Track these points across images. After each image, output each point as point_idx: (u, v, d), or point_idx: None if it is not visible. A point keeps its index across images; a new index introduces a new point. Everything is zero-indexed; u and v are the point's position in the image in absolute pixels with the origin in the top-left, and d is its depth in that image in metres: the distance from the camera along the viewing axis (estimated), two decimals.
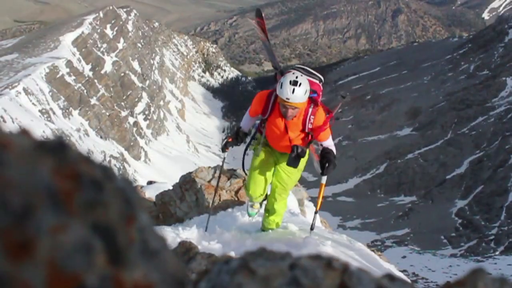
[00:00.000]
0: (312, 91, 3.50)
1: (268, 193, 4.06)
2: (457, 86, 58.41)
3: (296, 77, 3.22)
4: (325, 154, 3.44)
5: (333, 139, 3.49)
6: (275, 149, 3.83)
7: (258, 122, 3.75)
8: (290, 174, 3.82)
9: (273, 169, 3.91)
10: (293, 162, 3.62)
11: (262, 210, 4.29)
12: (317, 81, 3.61)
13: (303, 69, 3.60)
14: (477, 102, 49.78)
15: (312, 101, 3.43)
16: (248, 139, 3.96)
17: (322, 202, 3.64)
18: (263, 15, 4.06)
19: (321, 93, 3.61)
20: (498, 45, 62.91)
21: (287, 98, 3.20)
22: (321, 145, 3.53)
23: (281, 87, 3.24)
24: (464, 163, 41.48)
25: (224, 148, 3.89)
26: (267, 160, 3.86)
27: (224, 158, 4.26)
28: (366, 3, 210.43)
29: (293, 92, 3.19)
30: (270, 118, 3.55)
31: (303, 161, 3.70)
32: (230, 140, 3.80)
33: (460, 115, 48.89)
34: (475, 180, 37.83)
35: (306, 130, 3.48)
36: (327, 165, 3.40)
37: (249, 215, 4.31)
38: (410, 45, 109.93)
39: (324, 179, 3.56)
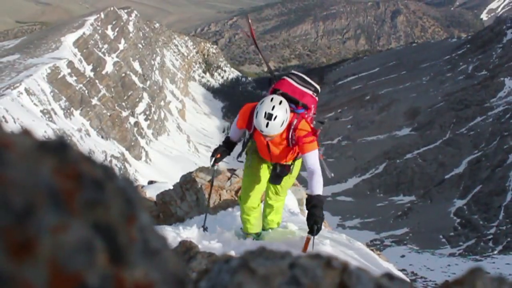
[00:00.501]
0: (302, 106, 3.26)
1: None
2: (455, 87, 58.42)
3: (273, 108, 2.99)
4: (312, 212, 3.00)
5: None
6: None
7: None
8: (283, 181, 3.68)
9: (267, 174, 3.74)
10: (274, 180, 3.54)
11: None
12: (311, 92, 3.34)
13: (297, 76, 3.39)
14: (475, 102, 49.79)
15: (297, 115, 3.18)
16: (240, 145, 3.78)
17: (306, 244, 3.19)
18: (249, 21, 3.89)
19: (313, 107, 3.35)
20: (496, 45, 62.93)
21: (261, 131, 3.04)
22: (306, 163, 3.19)
23: (256, 117, 3.03)
24: (462, 163, 41.49)
25: (213, 164, 3.71)
26: (261, 167, 3.71)
27: (214, 173, 4.24)
28: (365, 4, 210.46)
29: (267, 126, 2.99)
30: (255, 134, 3.36)
31: (297, 165, 3.57)
32: (218, 156, 3.60)
33: (458, 115, 48.90)
34: (473, 180, 37.84)
35: (291, 145, 3.28)
36: (315, 227, 2.97)
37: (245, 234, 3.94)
38: (409, 46, 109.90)
39: (310, 235, 3.07)
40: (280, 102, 3.02)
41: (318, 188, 3.15)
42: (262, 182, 3.72)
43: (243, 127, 3.45)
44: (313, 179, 3.16)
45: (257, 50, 3.56)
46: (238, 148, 3.73)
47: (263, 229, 3.97)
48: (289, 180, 3.68)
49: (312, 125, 3.25)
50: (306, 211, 3.02)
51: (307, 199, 3.13)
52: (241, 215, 3.83)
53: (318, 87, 3.40)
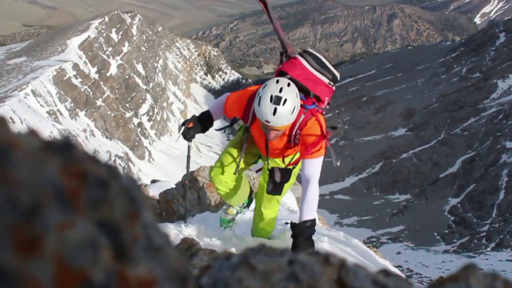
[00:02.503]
0: (315, 98, 2.53)
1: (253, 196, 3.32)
2: (450, 88, 58.40)
3: (280, 90, 2.28)
4: (294, 245, 2.50)
5: (330, 140, 2.54)
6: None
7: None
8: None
9: (255, 159, 3.04)
10: (274, 190, 2.82)
11: (242, 215, 3.53)
12: (327, 81, 2.59)
13: (313, 57, 2.59)
14: (469, 103, 49.78)
15: (305, 110, 2.48)
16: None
17: None
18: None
19: (326, 99, 2.61)
20: (489, 48, 62.91)
21: (266, 121, 2.31)
22: (303, 169, 2.59)
23: (259, 104, 2.30)
24: (456, 162, 41.48)
25: (186, 135, 2.83)
26: (251, 147, 2.94)
27: (189, 148, 3.24)
28: (362, 8, 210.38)
29: (274, 113, 2.27)
30: (252, 127, 2.67)
31: (295, 171, 2.94)
32: (191, 125, 2.81)
33: (452, 116, 48.89)
34: (467, 179, 37.83)
35: (292, 144, 2.60)
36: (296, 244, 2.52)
37: (220, 224, 3.44)
38: (405, 49, 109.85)
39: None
40: (289, 84, 2.34)
41: (310, 210, 2.53)
42: (247, 162, 3.03)
43: (234, 116, 2.77)
44: (307, 196, 2.52)
45: (272, 24, 2.83)
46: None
47: (253, 235, 3.36)
48: (287, 186, 3.02)
49: (323, 126, 2.50)
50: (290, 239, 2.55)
51: (291, 226, 2.56)
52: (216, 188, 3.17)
53: (337, 74, 2.63)
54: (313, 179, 2.55)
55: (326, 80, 2.58)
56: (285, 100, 2.28)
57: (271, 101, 2.28)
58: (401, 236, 29.97)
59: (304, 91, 2.52)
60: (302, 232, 2.50)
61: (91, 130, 44.80)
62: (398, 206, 38.31)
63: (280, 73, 2.57)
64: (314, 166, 2.54)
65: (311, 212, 2.54)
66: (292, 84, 2.37)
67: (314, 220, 2.57)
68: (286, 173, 2.83)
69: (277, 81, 2.36)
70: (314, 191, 2.54)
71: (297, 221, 2.56)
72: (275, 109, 2.28)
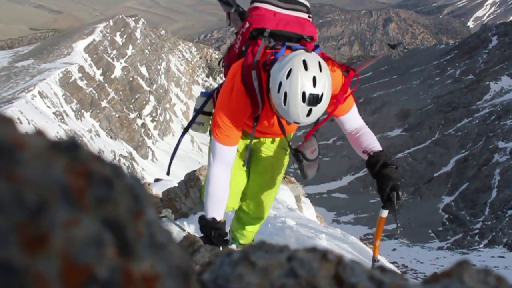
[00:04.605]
0: (308, 40, 1.93)
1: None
2: (444, 90, 58.38)
3: (314, 81, 1.63)
4: (385, 174, 1.91)
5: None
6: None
7: None
8: (274, 168, 2.43)
9: (244, 170, 2.46)
10: (304, 173, 2.15)
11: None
12: (306, 15, 2.01)
13: None
14: (462, 105, 49.76)
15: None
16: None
17: (378, 246, 2.27)
18: None
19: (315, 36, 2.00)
20: (482, 51, 62.87)
21: (295, 122, 1.76)
22: (343, 124, 2.10)
23: (284, 102, 1.67)
24: (450, 162, 41.47)
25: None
26: (239, 158, 2.41)
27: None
28: (359, 13, 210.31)
29: (308, 114, 1.69)
30: (262, 115, 2.03)
31: (286, 158, 2.48)
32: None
33: (446, 117, 48.87)
34: (460, 178, 37.82)
35: None
36: (395, 195, 1.91)
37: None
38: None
39: (385, 212, 2.14)
40: (320, 66, 1.66)
41: (376, 142, 2.05)
42: (243, 178, 2.46)
43: (239, 131, 1.97)
44: (368, 134, 2.06)
45: None
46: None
47: (233, 239, 2.85)
48: (279, 177, 2.48)
49: (340, 65, 1.94)
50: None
51: (370, 161, 1.98)
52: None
53: (307, 2, 2.03)
54: (365, 125, 2.10)
55: (305, 15, 2.01)
56: (321, 95, 1.66)
57: (303, 101, 1.64)
58: (396, 233, 29.94)
59: (295, 40, 1.92)
60: (390, 158, 1.99)
61: (96, 130, 44.80)
62: (403, 202, 38.23)
63: (254, 32, 1.91)
64: (357, 116, 2.08)
65: (379, 145, 2.05)
66: (322, 61, 1.70)
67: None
68: (314, 143, 2.16)
69: (305, 64, 1.65)
70: (372, 134, 2.08)
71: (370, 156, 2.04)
72: (310, 110, 1.68)
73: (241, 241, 2.81)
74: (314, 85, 1.64)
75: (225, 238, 2.05)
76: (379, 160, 1.96)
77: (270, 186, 2.51)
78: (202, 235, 2.06)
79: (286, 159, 2.51)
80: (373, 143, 2.05)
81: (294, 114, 1.69)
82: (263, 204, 2.55)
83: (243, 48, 2.00)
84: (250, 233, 2.77)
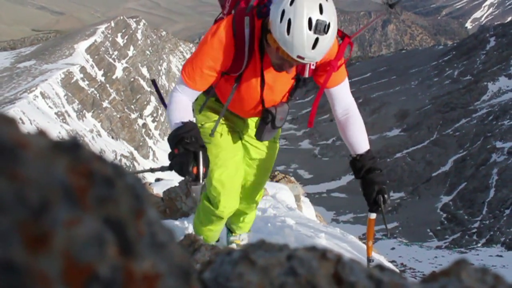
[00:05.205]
0: None
1: None
2: (442, 90, 58.40)
3: (321, 9, 1.50)
4: (370, 178, 1.89)
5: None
6: (240, 116, 2.13)
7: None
8: (264, 151, 2.22)
9: (241, 148, 2.21)
10: (261, 135, 2.01)
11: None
12: None
13: None
14: (460, 105, 49.79)
15: None
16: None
17: (371, 246, 2.32)
18: None
19: None
20: (480, 52, 62.89)
21: (299, 57, 1.56)
22: (333, 100, 1.93)
23: (287, 31, 1.51)
24: (448, 161, 41.48)
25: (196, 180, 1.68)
26: (233, 142, 2.13)
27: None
28: (358, 14, 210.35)
29: (314, 46, 1.52)
30: (245, 75, 1.82)
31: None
32: (204, 170, 1.69)
33: (445, 117, 48.89)
34: (458, 177, 37.83)
35: (305, 75, 1.83)
36: (381, 198, 1.95)
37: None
38: (399, 52, 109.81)
39: (373, 215, 2.15)
40: None
41: (364, 139, 1.97)
42: (241, 169, 2.19)
43: (215, 75, 1.78)
44: (355, 123, 1.96)
45: None
46: None
47: (230, 231, 2.69)
48: (272, 153, 2.25)
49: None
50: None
51: (355, 164, 1.94)
52: (203, 224, 2.35)
53: None
54: (353, 104, 1.97)
55: None
56: (329, 24, 1.52)
57: (310, 29, 1.49)
58: (395, 233, 29.95)
59: None
60: (375, 161, 1.94)
61: (97, 130, 44.81)
62: (392, 204, 38.29)
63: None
64: (347, 88, 1.93)
65: (367, 140, 1.99)
66: None
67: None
68: (286, 111, 1.99)
69: None
70: (359, 119, 1.99)
71: (355, 156, 2.00)
72: (317, 40, 1.51)
73: (238, 232, 2.64)
74: (321, 12, 1.51)
75: (201, 142, 1.70)
76: (364, 165, 1.93)
77: (263, 172, 2.31)
78: (172, 150, 1.72)
79: (277, 142, 2.31)
80: (360, 140, 1.97)
81: (298, 45, 1.51)
82: (257, 189, 2.37)
83: (233, 11, 1.80)
84: (247, 224, 2.60)
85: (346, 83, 1.93)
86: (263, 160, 2.26)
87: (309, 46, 1.52)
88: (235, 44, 1.71)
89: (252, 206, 2.44)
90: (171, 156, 1.72)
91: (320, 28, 1.51)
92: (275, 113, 1.93)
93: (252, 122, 2.19)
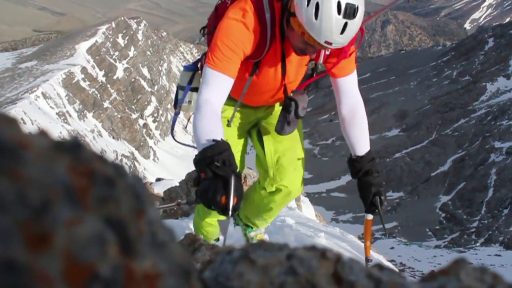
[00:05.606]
0: None
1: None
2: (441, 91, 58.41)
3: None
4: (366, 181, 1.86)
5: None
6: (251, 106, 2.01)
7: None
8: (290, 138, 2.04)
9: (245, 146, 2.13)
10: (283, 128, 1.86)
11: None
12: None
13: None
14: (459, 105, 49.79)
15: None
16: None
17: (369, 246, 2.24)
18: None
19: None
20: (478, 53, 62.89)
21: (327, 42, 1.50)
22: (339, 92, 1.88)
23: (315, 16, 1.43)
24: (447, 161, 41.48)
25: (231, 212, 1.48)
26: (237, 134, 2.07)
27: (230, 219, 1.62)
28: None
29: (343, 31, 1.46)
30: (264, 61, 1.74)
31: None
32: (236, 202, 1.48)
33: (443, 117, 48.90)
34: (457, 177, 37.83)
35: (320, 61, 1.74)
36: (378, 200, 1.89)
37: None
38: (398, 53, 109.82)
39: (370, 215, 2.06)
40: None
41: (366, 139, 1.93)
42: (239, 156, 2.07)
43: (236, 66, 1.61)
44: (361, 124, 1.93)
45: None
46: None
47: (248, 226, 2.47)
48: (298, 138, 2.07)
49: None
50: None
51: (353, 165, 1.89)
52: (202, 218, 2.30)
53: None
54: (359, 98, 1.93)
55: None
56: (357, 8, 1.46)
57: (339, 13, 1.42)
58: (394, 232, 29.94)
59: None
60: (373, 163, 1.89)
61: (98, 130, 44.81)
62: (391, 203, 38.29)
63: None
64: (355, 81, 1.87)
65: (368, 140, 1.93)
66: None
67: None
68: (307, 101, 1.88)
69: None
70: (363, 117, 1.94)
71: (354, 157, 1.95)
72: (345, 25, 1.45)
73: (261, 225, 2.43)
74: None
75: (234, 168, 1.47)
76: (362, 168, 1.89)
77: (295, 152, 2.06)
78: (198, 173, 1.53)
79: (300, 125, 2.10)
80: (362, 141, 1.92)
81: (327, 30, 1.44)
82: (298, 165, 2.05)
83: None
84: (271, 218, 2.33)
85: (354, 76, 1.88)
86: (290, 136, 2.03)
87: (337, 31, 1.45)
88: (260, 29, 1.62)
89: (291, 193, 2.07)
90: (196, 181, 1.55)
91: (350, 12, 1.44)
92: (298, 102, 1.82)
93: (265, 111, 2.04)
